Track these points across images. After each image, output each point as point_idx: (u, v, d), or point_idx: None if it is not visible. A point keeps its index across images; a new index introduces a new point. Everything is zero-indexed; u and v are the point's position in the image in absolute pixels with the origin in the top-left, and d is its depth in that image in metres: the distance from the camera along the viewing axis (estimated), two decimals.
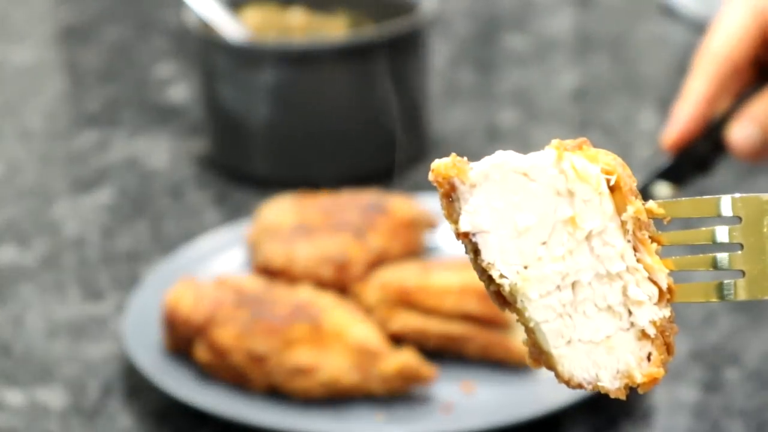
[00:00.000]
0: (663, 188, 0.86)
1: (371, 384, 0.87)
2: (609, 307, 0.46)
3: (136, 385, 0.92)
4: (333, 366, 0.87)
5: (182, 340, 0.90)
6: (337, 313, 0.89)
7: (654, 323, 0.46)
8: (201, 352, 0.89)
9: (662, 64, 1.51)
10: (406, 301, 0.92)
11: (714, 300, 0.47)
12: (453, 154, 0.46)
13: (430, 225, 1.04)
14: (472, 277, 0.92)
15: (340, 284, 0.96)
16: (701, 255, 0.47)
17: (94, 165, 1.29)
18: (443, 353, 0.92)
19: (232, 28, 1.22)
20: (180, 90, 1.47)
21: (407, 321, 0.92)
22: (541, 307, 0.45)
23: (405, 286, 0.92)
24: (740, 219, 0.47)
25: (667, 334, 0.46)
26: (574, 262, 0.45)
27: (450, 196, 0.46)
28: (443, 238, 1.06)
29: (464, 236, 0.46)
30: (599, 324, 0.46)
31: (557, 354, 0.46)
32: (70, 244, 1.13)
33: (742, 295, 0.47)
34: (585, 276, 0.46)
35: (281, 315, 0.88)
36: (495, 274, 0.45)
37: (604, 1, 1.75)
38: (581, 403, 0.87)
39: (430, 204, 1.07)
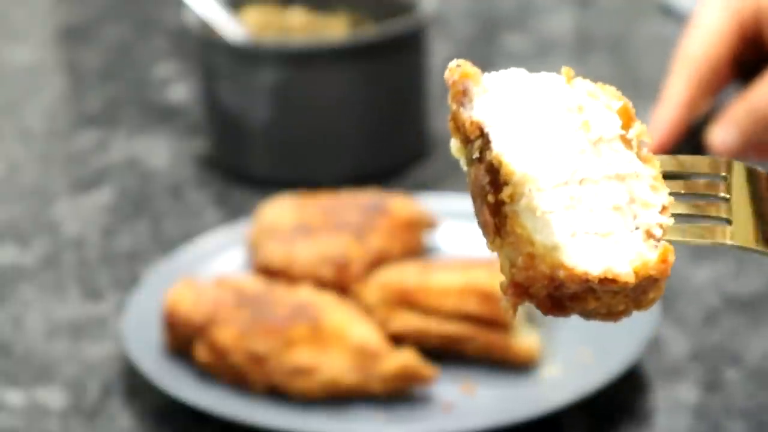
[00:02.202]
0: None
1: (371, 384, 0.87)
2: (617, 207, 0.46)
3: (136, 385, 0.92)
4: (333, 366, 0.87)
5: (182, 341, 0.90)
6: (337, 313, 0.89)
7: (661, 226, 0.46)
8: (201, 353, 0.89)
9: (662, 64, 1.51)
10: (406, 301, 0.92)
11: (709, 241, 0.48)
12: (467, 61, 0.46)
13: (430, 225, 1.04)
14: (472, 277, 0.93)
15: (340, 284, 0.96)
16: (696, 203, 0.49)
17: (94, 165, 1.29)
18: (443, 353, 0.92)
19: (232, 28, 1.22)
20: (180, 90, 1.47)
21: (407, 321, 0.92)
22: (549, 197, 0.45)
23: (405, 286, 0.92)
24: (725, 178, 0.49)
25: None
26: (584, 160, 0.46)
27: (461, 101, 0.46)
28: (443, 238, 1.06)
29: (476, 129, 0.45)
30: (606, 221, 0.46)
31: (563, 243, 0.45)
32: (70, 244, 1.13)
33: (729, 239, 0.48)
34: (594, 174, 0.46)
35: (281, 315, 0.88)
36: (506, 160, 0.44)
37: (604, 1, 1.75)
38: (581, 403, 0.87)
39: (430, 204, 1.07)
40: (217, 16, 1.22)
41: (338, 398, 0.88)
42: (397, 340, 0.91)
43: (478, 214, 0.46)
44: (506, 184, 0.44)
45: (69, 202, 1.21)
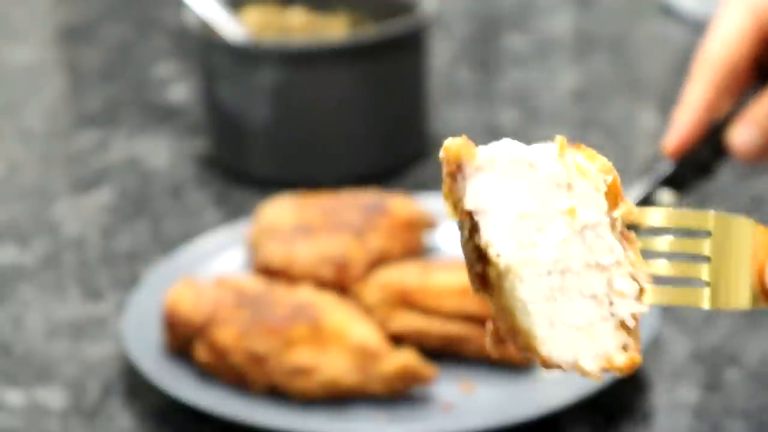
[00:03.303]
0: (666, 196, 0.85)
1: (371, 384, 0.87)
2: (594, 296, 0.48)
3: (136, 385, 0.92)
4: (333, 366, 0.87)
5: (182, 341, 0.90)
6: (337, 313, 0.89)
7: (634, 316, 0.48)
8: (201, 353, 0.89)
9: (662, 64, 1.51)
10: (406, 301, 0.92)
11: (687, 304, 0.49)
12: (464, 136, 0.47)
13: (430, 225, 1.04)
14: None
15: (340, 284, 0.96)
16: (675, 262, 0.49)
17: (94, 165, 1.29)
18: (443, 353, 0.92)
19: (232, 28, 1.22)
20: (180, 90, 1.47)
21: (407, 321, 0.92)
22: (531, 288, 0.47)
23: (405, 286, 0.92)
24: (710, 233, 0.49)
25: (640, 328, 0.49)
26: (567, 250, 0.47)
27: (455, 176, 0.47)
28: (443, 238, 1.06)
29: (466, 215, 0.47)
30: (583, 310, 0.47)
31: (540, 335, 0.47)
32: (70, 244, 1.13)
33: (705, 303, 0.49)
34: (575, 264, 0.47)
35: (281, 315, 0.88)
36: (492, 252, 0.46)
37: (604, 1, 1.75)
38: (581, 403, 0.87)
39: (430, 204, 1.07)
40: (217, 16, 1.22)
41: (338, 398, 0.88)
42: (397, 340, 0.91)
43: (468, 270, 0.48)
44: (492, 265, 0.46)
45: (69, 202, 1.21)
